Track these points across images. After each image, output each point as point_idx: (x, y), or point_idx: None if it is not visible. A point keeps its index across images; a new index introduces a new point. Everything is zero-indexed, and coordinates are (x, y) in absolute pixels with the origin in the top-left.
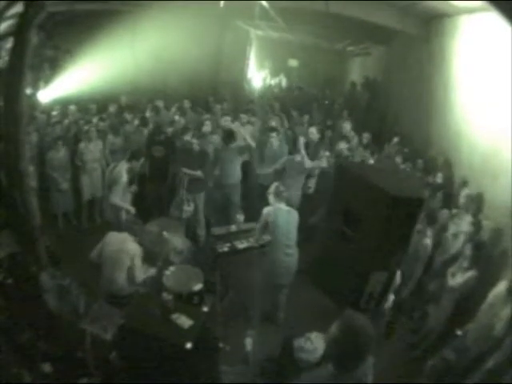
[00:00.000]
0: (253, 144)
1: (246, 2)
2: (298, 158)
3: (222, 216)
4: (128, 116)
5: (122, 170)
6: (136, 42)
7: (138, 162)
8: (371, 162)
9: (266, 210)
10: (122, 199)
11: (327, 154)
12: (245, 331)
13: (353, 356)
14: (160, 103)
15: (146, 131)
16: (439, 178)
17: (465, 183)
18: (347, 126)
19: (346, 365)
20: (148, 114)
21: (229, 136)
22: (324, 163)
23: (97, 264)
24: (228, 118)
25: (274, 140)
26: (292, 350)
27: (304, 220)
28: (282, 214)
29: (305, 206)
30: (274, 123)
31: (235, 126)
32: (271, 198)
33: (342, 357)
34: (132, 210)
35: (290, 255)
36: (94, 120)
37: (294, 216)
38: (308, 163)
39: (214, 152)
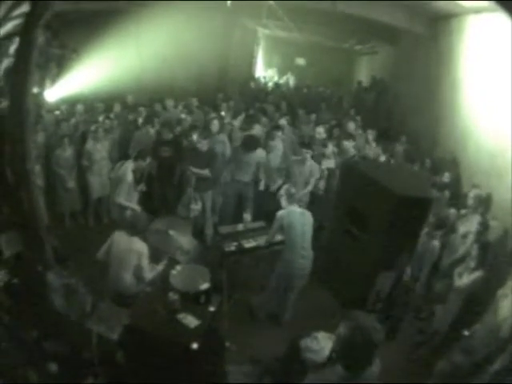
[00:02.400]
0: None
1: (253, 1)
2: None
3: (234, 213)
4: (133, 115)
5: (128, 169)
6: (142, 41)
7: (144, 161)
8: (383, 158)
9: (279, 213)
10: (127, 198)
11: (331, 149)
12: (251, 331)
13: (361, 354)
14: (158, 107)
15: (152, 130)
16: (446, 178)
17: (474, 186)
18: (351, 125)
19: (354, 364)
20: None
21: (252, 143)
22: (331, 163)
23: (103, 263)
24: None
25: (278, 139)
26: (299, 350)
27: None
28: (296, 216)
29: (316, 208)
30: (284, 122)
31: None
32: (283, 201)
33: (349, 356)
34: (138, 209)
35: (305, 257)
36: (101, 119)
37: (308, 218)
38: (310, 165)
39: (232, 152)
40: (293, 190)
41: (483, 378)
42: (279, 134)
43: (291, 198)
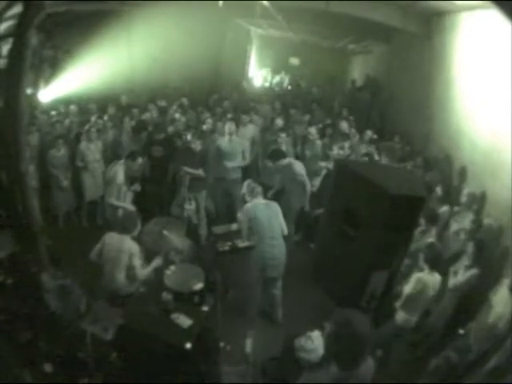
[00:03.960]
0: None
1: (245, 1)
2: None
3: (225, 212)
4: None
5: (119, 170)
6: (134, 42)
7: (135, 161)
8: (376, 158)
9: (244, 208)
10: (119, 199)
11: (340, 151)
12: (246, 331)
13: (351, 350)
14: (151, 107)
15: (145, 132)
16: (437, 175)
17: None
18: (344, 125)
19: (346, 361)
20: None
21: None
22: (330, 164)
23: (97, 264)
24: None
25: (283, 140)
26: (293, 350)
27: (307, 217)
28: (260, 208)
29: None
30: (280, 122)
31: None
32: (247, 197)
33: (339, 351)
34: (131, 208)
35: (275, 246)
36: (93, 119)
37: (273, 208)
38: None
39: (217, 147)
40: (253, 185)
41: (479, 376)
42: (283, 135)
43: (253, 193)
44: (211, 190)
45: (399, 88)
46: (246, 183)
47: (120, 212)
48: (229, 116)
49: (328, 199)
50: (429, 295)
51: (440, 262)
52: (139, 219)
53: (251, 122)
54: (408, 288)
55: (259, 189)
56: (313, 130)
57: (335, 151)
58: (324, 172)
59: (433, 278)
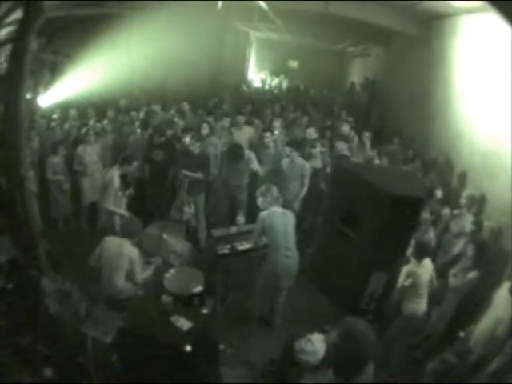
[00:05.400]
0: (260, 172)
1: (244, 3)
2: (288, 160)
3: (227, 216)
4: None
5: (114, 174)
6: (135, 46)
7: (131, 165)
8: (377, 161)
9: (261, 214)
10: (115, 204)
11: (322, 149)
12: (245, 333)
13: (352, 363)
14: (157, 107)
15: (146, 134)
16: (437, 177)
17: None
18: (345, 128)
19: (344, 372)
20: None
21: (237, 153)
22: (318, 163)
23: (97, 268)
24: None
25: (268, 140)
26: (293, 352)
27: (299, 220)
28: (278, 217)
29: (300, 207)
30: (278, 124)
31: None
32: (263, 203)
33: (341, 363)
34: (126, 214)
35: (289, 257)
36: (91, 122)
37: (290, 217)
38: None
39: (220, 157)
40: (277, 193)
41: (480, 378)
42: (268, 135)
43: (274, 200)
44: (216, 193)
45: (398, 91)
46: (265, 187)
47: (116, 218)
48: (227, 121)
49: (327, 200)
50: (425, 281)
51: (428, 252)
52: (141, 225)
53: (248, 124)
54: (399, 281)
55: (281, 198)
56: (311, 130)
57: (317, 149)
58: (310, 172)
59: (422, 266)
